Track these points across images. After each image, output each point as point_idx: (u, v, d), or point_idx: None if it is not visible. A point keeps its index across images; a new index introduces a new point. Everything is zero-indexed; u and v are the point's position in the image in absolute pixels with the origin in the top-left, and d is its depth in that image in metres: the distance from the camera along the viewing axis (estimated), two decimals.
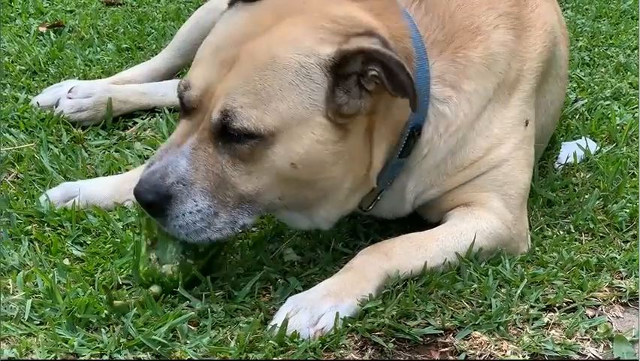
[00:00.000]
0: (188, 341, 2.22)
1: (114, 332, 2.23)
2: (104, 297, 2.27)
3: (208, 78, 2.30)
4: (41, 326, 2.25)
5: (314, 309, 2.27)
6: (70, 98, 3.36)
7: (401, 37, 2.42)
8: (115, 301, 2.26)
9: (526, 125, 2.66)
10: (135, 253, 2.40)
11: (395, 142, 2.49)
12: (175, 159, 2.28)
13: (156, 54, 3.72)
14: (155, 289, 2.34)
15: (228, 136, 2.27)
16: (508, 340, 2.30)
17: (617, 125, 3.44)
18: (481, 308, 2.39)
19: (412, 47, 2.45)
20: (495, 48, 2.60)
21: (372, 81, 2.31)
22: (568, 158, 3.18)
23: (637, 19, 4.72)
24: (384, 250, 2.45)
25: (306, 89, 2.28)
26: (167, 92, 3.51)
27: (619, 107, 3.63)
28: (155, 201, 2.27)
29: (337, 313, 2.26)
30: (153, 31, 4.21)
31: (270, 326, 2.25)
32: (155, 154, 2.36)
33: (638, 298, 2.49)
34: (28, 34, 4.06)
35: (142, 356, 2.17)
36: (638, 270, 2.57)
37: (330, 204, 2.46)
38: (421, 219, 2.70)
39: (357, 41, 2.28)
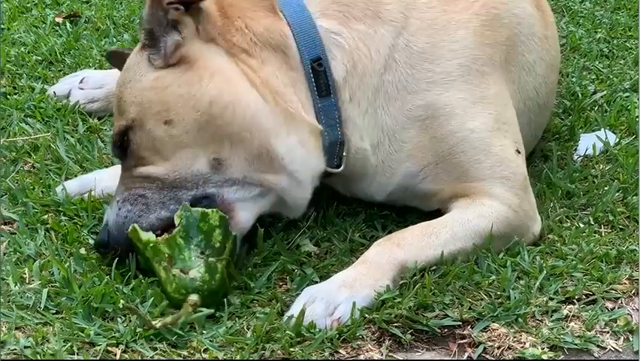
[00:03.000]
0: (204, 332, 2.21)
1: (130, 321, 2.22)
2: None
3: None
4: (57, 315, 2.24)
5: (330, 299, 2.26)
6: (81, 88, 3.35)
7: None
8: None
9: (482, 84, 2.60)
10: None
11: (294, 71, 2.51)
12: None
13: None
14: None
15: (123, 150, 2.47)
16: (526, 332, 2.28)
17: (637, 117, 3.40)
18: (500, 300, 2.37)
19: None
20: None
21: (171, 10, 2.43)
22: (587, 150, 3.16)
23: None
24: (395, 240, 2.44)
25: (134, 71, 2.48)
26: None
27: (638, 99, 3.60)
28: (98, 241, 2.46)
29: (354, 303, 2.25)
30: None
31: (286, 317, 2.24)
32: None
33: None
34: (44, 25, 4.06)
35: (158, 345, 2.16)
36: None
37: (287, 155, 2.45)
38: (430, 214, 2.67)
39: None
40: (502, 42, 2.68)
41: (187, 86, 2.41)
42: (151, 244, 2.33)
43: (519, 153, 2.64)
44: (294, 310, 2.25)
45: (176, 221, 2.34)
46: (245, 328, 2.24)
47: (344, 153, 2.57)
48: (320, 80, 2.52)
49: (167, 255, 2.31)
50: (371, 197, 2.68)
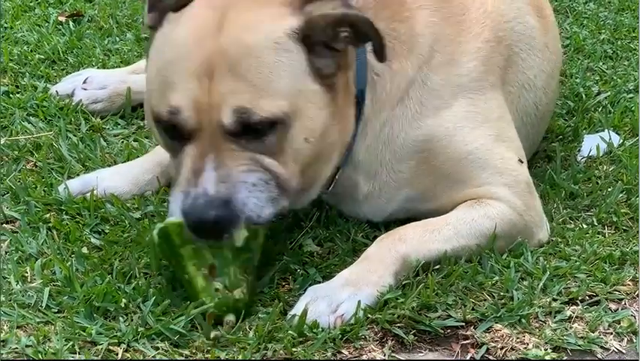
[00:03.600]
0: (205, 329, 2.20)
1: (132, 320, 2.22)
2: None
3: (193, 95, 2.25)
4: (59, 314, 2.24)
5: (333, 297, 2.27)
6: (85, 89, 3.34)
7: None
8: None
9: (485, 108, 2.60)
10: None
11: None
12: (205, 179, 2.23)
13: None
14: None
15: (251, 133, 2.25)
16: (530, 333, 2.28)
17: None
18: (503, 301, 2.36)
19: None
20: (418, 29, 2.54)
21: (342, 41, 2.33)
22: (590, 151, 3.15)
23: None
24: (397, 235, 2.44)
25: (290, 62, 2.29)
26: None
27: (639, 100, 3.58)
28: (222, 214, 2.21)
29: (359, 302, 2.25)
30: None
31: (289, 316, 2.23)
32: (173, 195, 2.28)
33: None
34: (47, 24, 4.05)
35: (160, 345, 2.16)
36: None
37: (327, 170, 2.45)
38: None
39: (315, 7, 2.30)
40: (503, 66, 2.67)
41: (330, 119, 2.35)
42: (192, 245, 2.25)
43: (522, 162, 2.64)
44: (298, 308, 2.25)
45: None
46: (247, 328, 2.24)
47: (336, 177, 2.54)
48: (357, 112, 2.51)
49: (210, 263, 2.25)
50: (364, 218, 2.67)
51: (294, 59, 2.29)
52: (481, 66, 2.60)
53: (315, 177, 2.42)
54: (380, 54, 2.35)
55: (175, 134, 2.30)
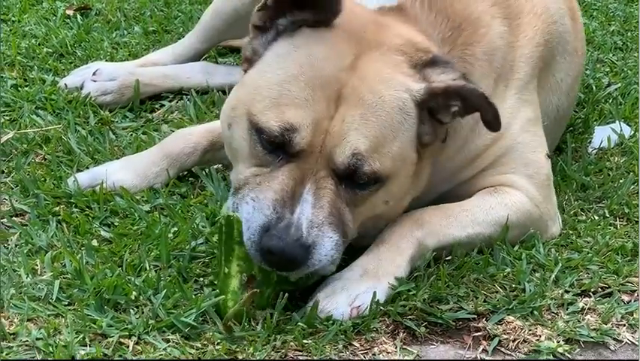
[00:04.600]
0: (217, 323, 2.19)
1: (142, 313, 2.21)
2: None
3: (314, 118, 2.22)
4: (69, 307, 2.23)
5: (352, 290, 2.26)
6: (94, 81, 3.33)
7: (427, 48, 2.38)
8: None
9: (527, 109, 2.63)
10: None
11: None
12: (300, 209, 2.20)
13: (183, 37, 3.70)
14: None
15: (352, 179, 2.25)
16: (542, 325, 2.27)
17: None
18: (515, 293, 2.36)
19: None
20: (496, 42, 2.54)
21: (450, 115, 2.34)
22: (602, 142, 3.14)
23: None
24: (414, 218, 2.44)
25: (408, 126, 2.31)
26: (191, 73, 3.48)
27: (638, 90, 3.57)
28: (301, 257, 2.17)
29: (374, 294, 2.24)
30: (180, 14, 4.18)
31: (308, 308, 2.23)
32: (257, 203, 2.21)
33: None
34: (54, 17, 4.04)
35: (171, 337, 2.15)
36: None
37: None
38: None
39: (436, 74, 2.31)
40: (541, 68, 2.69)
41: (411, 182, 2.38)
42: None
43: (548, 157, 2.66)
44: (316, 300, 2.24)
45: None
46: (251, 321, 2.22)
47: None
48: None
49: (253, 273, 2.22)
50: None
51: (410, 124, 2.31)
52: (531, 70, 2.63)
53: (373, 228, 2.42)
54: (495, 125, 2.33)
55: (276, 148, 2.25)
